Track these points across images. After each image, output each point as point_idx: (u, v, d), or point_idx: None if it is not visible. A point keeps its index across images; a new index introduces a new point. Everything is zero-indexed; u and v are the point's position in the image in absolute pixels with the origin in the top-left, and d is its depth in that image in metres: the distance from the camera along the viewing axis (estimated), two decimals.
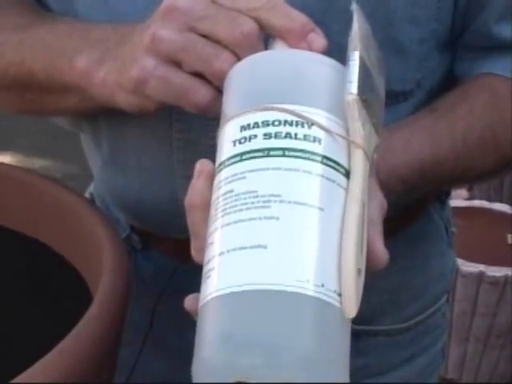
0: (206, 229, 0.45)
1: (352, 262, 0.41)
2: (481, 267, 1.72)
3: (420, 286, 0.82)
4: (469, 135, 0.65)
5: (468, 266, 1.72)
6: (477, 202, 1.98)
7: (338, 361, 0.41)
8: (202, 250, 0.45)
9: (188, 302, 0.46)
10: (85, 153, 0.80)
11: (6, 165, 0.71)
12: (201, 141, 0.66)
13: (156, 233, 0.76)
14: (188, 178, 0.66)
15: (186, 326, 0.78)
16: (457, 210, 1.93)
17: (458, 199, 2.02)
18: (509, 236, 1.88)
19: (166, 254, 0.77)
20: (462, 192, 2.08)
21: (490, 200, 2.01)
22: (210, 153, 0.64)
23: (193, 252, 0.47)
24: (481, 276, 1.71)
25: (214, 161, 0.64)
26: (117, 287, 0.53)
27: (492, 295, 1.73)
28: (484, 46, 0.69)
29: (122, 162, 0.72)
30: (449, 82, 0.71)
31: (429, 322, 0.84)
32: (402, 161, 0.61)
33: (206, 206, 0.46)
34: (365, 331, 0.79)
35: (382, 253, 0.45)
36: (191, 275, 0.75)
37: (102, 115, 0.70)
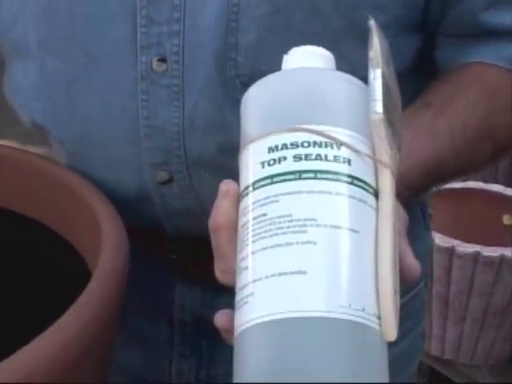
0: (231, 250, 0.45)
1: (390, 284, 0.42)
2: (477, 248, 1.73)
3: None
4: (467, 130, 0.66)
5: (464, 247, 1.73)
6: (472, 183, 1.98)
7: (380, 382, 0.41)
8: (228, 271, 0.45)
9: (220, 319, 0.46)
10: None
11: (4, 146, 0.72)
12: (167, 128, 0.66)
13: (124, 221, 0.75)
14: (154, 165, 0.68)
15: (160, 317, 0.79)
16: (452, 191, 1.94)
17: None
18: (504, 217, 1.88)
19: (131, 242, 0.76)
20: None
21: (485, 181, 2.02)
22: (176, 139, 0.66)
23: (217, 273, 0.47)
24: (477, 256, 1.72)
25: (182, 152, 0.65)
26: (116, 263, 0.54)
27: (488, 275, 1.74)
28: (470, 34, 0.69)
29: (88, 155, 0.71)
30: (425, 66, 0.71)
31: (407, 308, 0.83)
32: (407, 167, 0.61)
33: (231, 227, 0.46)
34: None
35: (414, 265, 0.46)
36: (157, 264, 0.76)
37: (63, 114, 0.70)
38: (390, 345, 0.81)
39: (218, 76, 0.64)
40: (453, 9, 0.67)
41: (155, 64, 0.65)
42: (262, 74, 0.47)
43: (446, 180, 0.73)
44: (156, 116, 0.66)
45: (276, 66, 0.49)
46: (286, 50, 0.50)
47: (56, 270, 0.65)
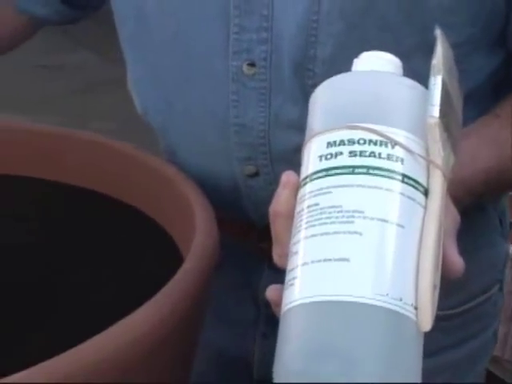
0: (288, 236, 0.48)
1: (429, 279, 0.44)
2: None
3: (468, 274, 0.84)
4: None
5: None
6: None
7: (412, 372, 0.44)
8: (284, 255, 0.48)
9: (270, 292, 0.49)
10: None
11: (107, 139, 0.77)
12: (254, 126, 0.72)
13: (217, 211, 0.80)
14: (242, 159, 0.74)
15: (247, 299, 0.83)
16: None
17: None
18: None
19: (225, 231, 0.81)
20: None
21: None
22: (262, 137, 0.72)
23: (275, 257, 0.50)
24: None
25: (267, 148, 0.71)
26: (207, 247, 0.59)
27: None
28: None
29: (186, 146, 0.78)
30: (506, 83, 0.74)
31: (478, 310, 0.86)
32: (470, 173, 0.64)
33: (289, 215, 0.49)
34: None
35: (457, 263, 0.48)
36: (247, 251, 0.80)
37: (168, 105, 0.77)
38: (456, 345, 0.85)
39: (298, 83, 0.69)
40: None
41: (245, 68, 0.70)
42: None
43: (507, 189, 0.76)
44: (244, 115, 0.72)
45: None
46: None
47: (150, 254, 0.71)
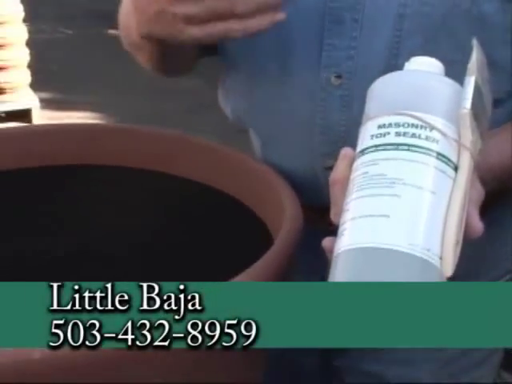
0: (342, 199, 0.60)
1: (453, 234, 0.55)
2: None
3: (493, 258, 0.96)
4: None
5: None
6: None
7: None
8: (339, 214, 0.60)
9: (326, 242, 0.61)
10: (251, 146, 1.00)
11: (213, 143, 0.91)
12: (336, 127, 0.85)
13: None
14: (324, 154, 0.87)
15: (314, 275, 0.94)
16: None
17: None
18: None
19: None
20: None
21: None
22: (342, 136, 0.85)
23: (332, 215, 0.62)
24: None
25: (346, 144, 0.83)
26: (294, 230, 0.70)
27: None
28: None
29: (277, 145, 0.92)
30: None
31: None
32: (497, 161, 0.75)
33: (345, 182, 0.61)
34: None
35: (477, 225, 0.59)
36: (316, 234, 0.91)
37: (260, 112, 0.91)
38: None
39: None
40: None
41: (333, 79, 0.84)
42: None
43: None
44: (329, 118, 0.85)
45: None
46: None
47: (246, 237, 0.84)
